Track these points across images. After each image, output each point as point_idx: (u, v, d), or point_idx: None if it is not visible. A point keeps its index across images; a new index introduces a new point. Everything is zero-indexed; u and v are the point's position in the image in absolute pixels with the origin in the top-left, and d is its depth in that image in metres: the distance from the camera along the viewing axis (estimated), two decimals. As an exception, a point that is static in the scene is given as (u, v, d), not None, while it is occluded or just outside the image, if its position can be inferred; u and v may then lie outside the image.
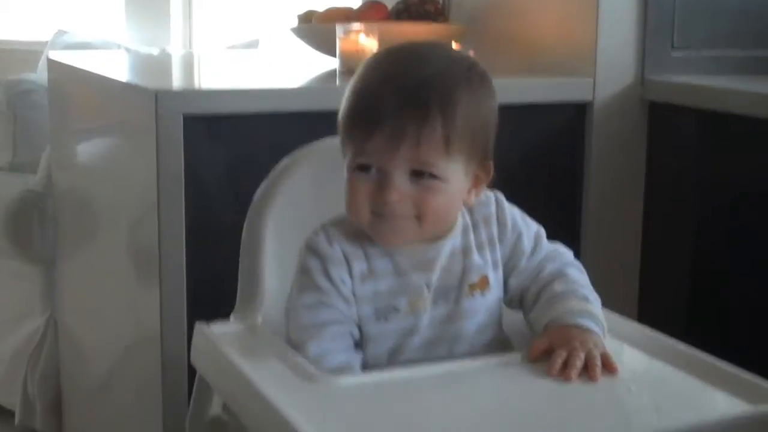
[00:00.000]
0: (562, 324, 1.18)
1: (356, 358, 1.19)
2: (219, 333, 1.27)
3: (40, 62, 4.37)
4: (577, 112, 2.10)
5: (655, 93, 2.10)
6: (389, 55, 1.24)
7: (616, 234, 2.16)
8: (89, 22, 5.10)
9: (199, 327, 1.29)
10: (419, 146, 1.15)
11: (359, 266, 1.21)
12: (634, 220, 2.17)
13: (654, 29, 2.08)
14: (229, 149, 1.86)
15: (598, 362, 1.13)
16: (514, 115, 1.96)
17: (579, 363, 1.13)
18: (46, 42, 4.38)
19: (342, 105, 1.22)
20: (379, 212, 1.17)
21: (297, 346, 1.19)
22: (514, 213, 1.29)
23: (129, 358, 2.16)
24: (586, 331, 1.17)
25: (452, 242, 1.24)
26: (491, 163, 1.24)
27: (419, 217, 1.18)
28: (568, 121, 2.10)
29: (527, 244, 1.27)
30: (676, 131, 2.10)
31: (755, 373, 1.14)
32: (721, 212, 2.02)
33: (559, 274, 1.25)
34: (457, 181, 1.19)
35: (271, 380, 1.11)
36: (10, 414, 2.84)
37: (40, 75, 3.21)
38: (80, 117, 2.47)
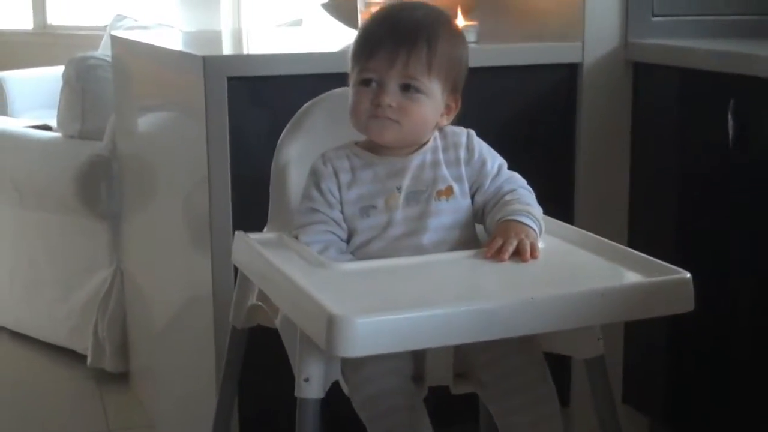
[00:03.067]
0: (506, 219, 1.51)
1: (331, 246, 1.52)
2: (255, 238, 1.58)
3: (101, 44, 4.41)
4: (568, 73, 2.23)
5: (637, 54, 2.23)
6: (389, 7, 1.60)
7: (605, 183, 2.29)
8: (145, 7, 5.23)
9: (239, 234, 1.61)
10: (408, 64, 1.49)
11: (345, 178, 1.54)
12: (621, 170, 2.29)
13: (636, -1, 2.22)
14: (271, 109, 1.99)
15: (527, 248, 1.46)
16: (511, 76, 2.22)
17: (511, 248, 1.46)
18: (106, 26, 4.50)
19: (355, 38, 1.56)
20: (375, 114, 1.50)
21: (296, 238, 1.53)
22: (481, 144, 1.61)
23: (185, 307, 2.31)
24: (521, 225, 1.50)
25: (422, 157, 1.56)
26: (459, 97, 1.56)
27: (399, 122, 1.50)
28: (560, 82, 2.24)
29: (491, 168, 1.59)
30: (657, 88, 2.22)
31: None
32: (699, 160, 2.13)
33: (511, 191, 1.57)
34: (434, 100, 1.52)
35: (293, 267, 1.42)
36: (83, 358, 2.98)
37: (102, 53, 3.25)
38: (140, 88, 2.59)
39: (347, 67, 1.58)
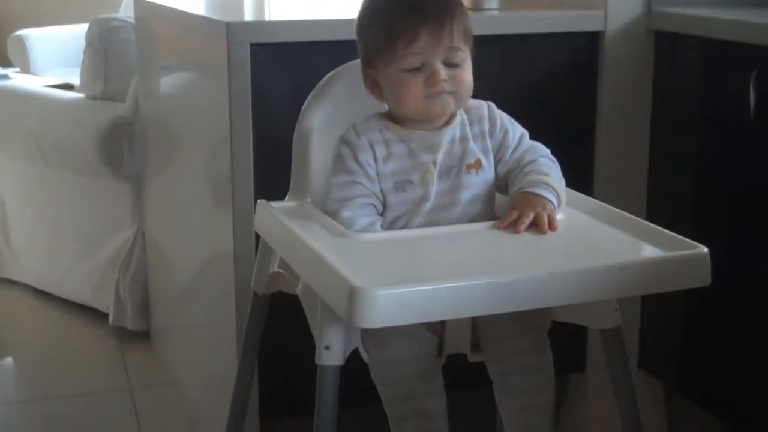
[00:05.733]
0: (524, 191, 1.52)
1: (377, 221, 1.52)
2: (277, 207, 1.60)
3: (123, 3, 4.44)
4: (591, 41, 2.22)
5: (660, 23, 2.20)
6: None
7: (625, 153, 2.28)
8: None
9: (262, 203, 1.62)
10: (453, 36, 1.50)
11: (381, 151, 1.54)
12: (642, 140, 2.29)
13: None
14: (293, 75, 1.99)
15: (545, 221, 1.47)
16: (533, 44, 2.22)
17: (527, 220, 1.48)
18: None
19: (369, 35, 1.55)
20: (433, 93, 1.50)
21: (332, 214, 1.53)
22: (502, 115, 1.62)
23: (206, 268, 2.33)
24: (539, 197, 1.51)
25: (452, 132, 1.57)
26: None
27: (455, 93, 1.52)
28: (583, 49, 2.22)
29: (512, 138, 1.60)
30: (679, 57, 2.21)
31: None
32: (720, 131, 2.11)
33: (532, 162, 1.58)
34: (469, 64, 1.54)
35: (315, 237, 1.44)
36: (104, 316, 3.02)
37: (125, 14, 3.28)
38: (163, 51, 2.61)
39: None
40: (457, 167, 1.55)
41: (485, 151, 1.58)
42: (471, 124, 1.59)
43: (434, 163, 1.55)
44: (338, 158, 1.56)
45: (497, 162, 1.60)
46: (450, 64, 1.51)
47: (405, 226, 1.53)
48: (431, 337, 1.53)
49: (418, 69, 1.51)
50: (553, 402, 1.55)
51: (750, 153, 2.05)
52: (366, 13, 1.58)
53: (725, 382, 2.17)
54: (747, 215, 2.08)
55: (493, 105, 1.62)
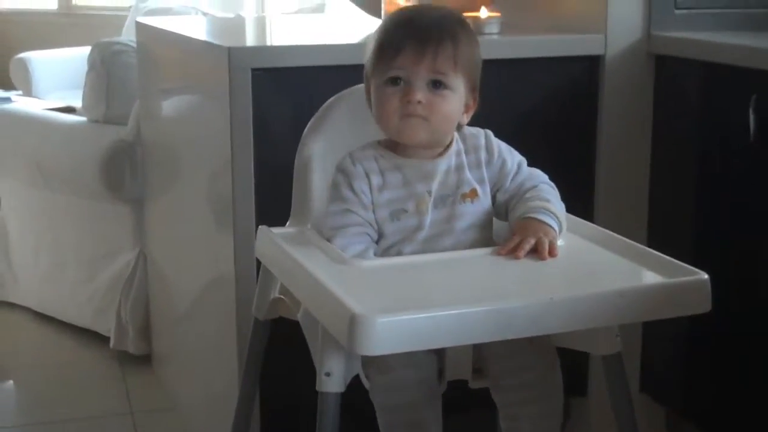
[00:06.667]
0: (525, 217, 1.52)
1: (370, 249, 1.53)
2: (278, 233, 1.61)
3: (125, 26, 4.44)
4: (591, 65, 2.23)
5: (660, 47, 2.22)
6: (405, 9, 1.62)
7: (626, 177, 2.29)
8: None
9: (263, 229, 1.63)
10: (436, 59, 1.50)
11: (376, 180, 1.54)
12: (642, 164, 2.29)
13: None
14: (294, 100, 2.00)
15: (545, 247, 1.47)
16: (533, 68, 2.23)
17: (528, 246, 1.48)
18: (129, 7, 4.60)
19: (370, 46, 1.56)
20: (405, 113, 1.50)
21: (327, 241, 1.53)
22: (500, 144, 1.62)
23: (208, 291, 2.32)
24: (540, 222, 1.51)
25: (448, 161, 1.57)
26: (477, 95, 1.58)
27: (428, 120, 1.51)
28: (582, 74, 2.24)
29: (511, 166, 1.60)
30: (679, 81, 2.21)
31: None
32: (720, 155, 2.11)
33: (533, 188, 1.59)
34: (459, 96, 1.53)
35: (315, 264, 1.45)
36: (106, 340, 3.01)
37: (126, 37, 3.30)
38: (164, 75, 2.61)
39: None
40: (453, 197, 1.56)
41: (481, 181, 1.58)
42: (467, 153, 1.59)
43: (429, 192, 1.55)
44: (334, 186, 1.56)
45: (497, 190, 1.60)
46: (434, 88, 1.51)
47: (398, 254, 1.54)
48: (432, 362, 1.53)
49: (398, 84, 1.51)
50: (559, 426, 1.54)
51: (750, 177, 2.05)
52: (378, 26, 1.60)
53: (726, 405, 2.17)
54: (748, 238, 2.08)
55: (490, 133, 1.63)
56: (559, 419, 1.53)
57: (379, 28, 1.57)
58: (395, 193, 1.55)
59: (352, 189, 1.54)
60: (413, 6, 1.63)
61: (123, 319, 2.98)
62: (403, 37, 1.51)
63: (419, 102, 1.50)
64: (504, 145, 1.63)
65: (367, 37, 1.61)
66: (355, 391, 1.48)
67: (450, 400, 1.56)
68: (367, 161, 1.56)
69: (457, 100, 1.53)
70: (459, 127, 1.60)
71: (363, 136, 1.62)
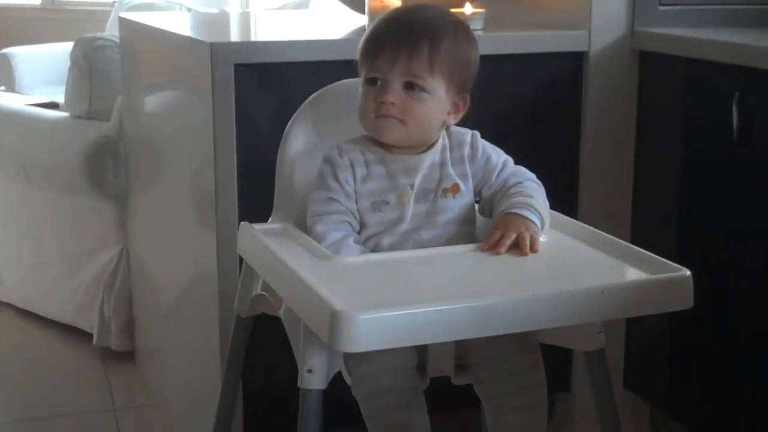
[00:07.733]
0: (507, 212, 1.52)
1: (350, 237, 1.54)
2: (259, 229, 1.60)
3: (109, 22, 4.39)
4: (575, 61, 2.23)
5: (644, 43, 2.22)
6: (398, 8, 1.63)
7: (610, 174, 2.29)
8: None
9: (245, 225, 1.62)
10: (410, 62, 1.51)
11: (360, 171, 1.56)
12: (626, 161, 2.30)
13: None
14: (277, 95, 2.00)
15: (527, 242, 1.47)
16: (517, 64, 2.22)
17: (508, 242, 1.48)
18: (113, 3, 4.55)
19: (361, 41, 1.58)
20: (379, 113, 1.52)
21: (309, 227, 1.55)
22: (485, 143, 1.63)
23: (190, 288, 2.33)
24: (521, 218, 1.51)
25: (432, 157, 1.58)
26: (468, 96, 1.57)
27: (403, 122, 1.52)
28: (566, 70, 2.24)
29: (496, 162, 1.61)
30: (663, 77, 2.22)
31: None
32: (703, 152, 2.12)
33: (517, 184, 1.59)
34: (438, 98, 1.54)
35: (297, 260, 1.44)
36: (89, 336, 3.00)
37: (110, 33, 3.28)
38: (148, 70, 2.61)
39: (353, 54, 1.60)
40: (435, 191, 1.57)
41: (464, 176, 1.59)
42: (451, 150, 1.61)
43: (411, 186, 1.56)
44: (320, 175, 1.59)
45: (482, 186, 1.61)
46: (409, 90, 1.52)
47: (377, 244, 1.55)
48: (412, 353, 1.52)
49: (376, 84, 1.53)
50: (546, 419, 1.54)
51: (733, 173, 2.06)
52: (378, 18, 1.61)
53: (709, 402, 2.17)
54: (731, 235, 2.08)
55: (477, 133, 1.64)
56: (545, 410, 1.53)
57: (372, 23, 1.59)
58: (378, 185, 1.57)
59: (336, 178, 1.56)
60: (408, 5, 1.63)
61: (106, 315, 2.97)
62: (385, 37, 1.54)
63: (392, 103, 1.52)
64: (489, 145, 1.64)
65: (363, 31, 1.62)
66: (339, 387, 1.48)
67: (434, 399, 1.55)
68: (353, 153, 1.58)
69: (434, 103, 1.54)
70: (447, 127, 1.61)
71: (346, 132, 1.62)
